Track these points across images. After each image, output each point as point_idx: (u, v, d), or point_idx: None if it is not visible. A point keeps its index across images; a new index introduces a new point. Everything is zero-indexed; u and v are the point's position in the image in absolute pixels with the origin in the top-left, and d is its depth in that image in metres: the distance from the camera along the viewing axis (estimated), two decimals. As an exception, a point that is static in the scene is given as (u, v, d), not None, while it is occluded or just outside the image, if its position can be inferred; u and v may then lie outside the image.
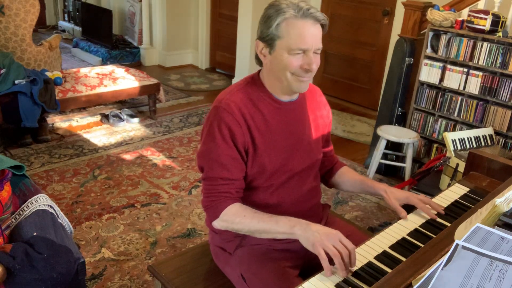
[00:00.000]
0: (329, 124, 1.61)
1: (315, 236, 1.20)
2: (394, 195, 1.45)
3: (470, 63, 2.98)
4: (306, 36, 1.28)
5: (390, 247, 1.25)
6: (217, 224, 1.36)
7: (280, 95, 1.41)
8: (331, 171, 1.66)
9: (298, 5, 1.29)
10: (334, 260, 1.13)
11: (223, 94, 1.40)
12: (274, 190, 1.43)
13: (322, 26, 1.32)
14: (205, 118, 1.42)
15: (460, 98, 3.07)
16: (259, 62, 1.41)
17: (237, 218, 1.32)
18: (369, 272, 1.14)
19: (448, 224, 1.34)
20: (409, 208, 1.47)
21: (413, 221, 1.38)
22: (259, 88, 1.40)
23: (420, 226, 1.36)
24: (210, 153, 1.35)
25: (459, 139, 2.76)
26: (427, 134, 3.30)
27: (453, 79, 3.07)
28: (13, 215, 1.61)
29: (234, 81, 5.20)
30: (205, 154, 1.36)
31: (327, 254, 1.15)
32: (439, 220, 1.39)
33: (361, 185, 1.57)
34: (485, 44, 2.88)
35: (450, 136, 2.75)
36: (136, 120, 4.17)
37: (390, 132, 3.17)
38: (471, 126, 3.04)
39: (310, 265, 1.47)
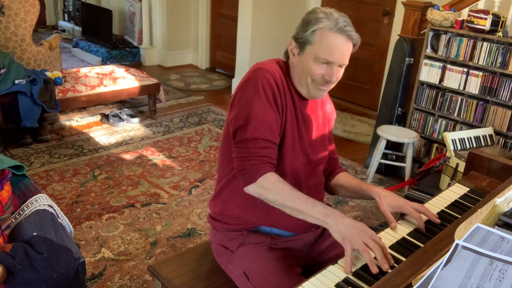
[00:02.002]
0: (333, 121, 1.62)
1: (347, 230, 1.21)
2: (387, 201, 1.39)
3: (470, 63, 2.98)
4: (335, 50, 1.32)
5: (390, 247, 1.25)
6: (252, 189, 1.32)
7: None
8: (330, 175, 1.65)
9: (337, 19, 1.32)
10: (363, 256, 1.15)
11: (262, 62, 1.43)
12: (287, 174, 1.42)
13: (354, 44, 1.36)
14: (242, 80, 1.40)
15: (460, 98, 3.07)
16: (286, 57, 1.44)
17: (274, 188, 1.30)
18: (369, 272, 1.14)
19: (448, 224, 1.34)
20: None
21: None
22: (288, 74, 1.44)
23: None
24: (255, 111, 1.31)
25: (459, 139, 2.76)
26: (427, 134, 3.30)
27: (453, 79, 3.07)
28: (13, 215, 1.61)
29: (234, 81, 5.20)
30: (249, 113, 1.32)
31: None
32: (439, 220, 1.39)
33: (356, 188, 1.54)
34: (485, 44, 2.88)
35: (450, 136, 2.75)
36: (136, 120, 4.17)
37: (390, 132, 3.17)
38: (471, 126, 3.04)
39: (310, 263, 1.48)
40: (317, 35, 1.32)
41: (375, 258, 1.15)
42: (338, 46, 1.32)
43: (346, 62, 1.36)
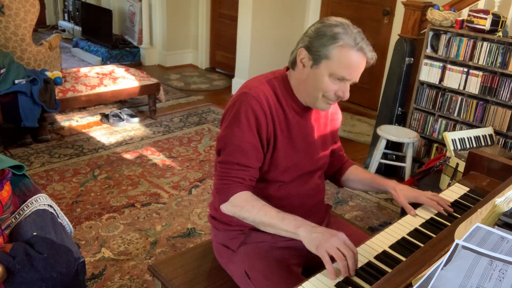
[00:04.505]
0: (337, 120, 1.62)
1: (319, 239, 1.19)
2: (403, 193, 1.47)
3: (470, 63, 2.98)
4: (354, 68, 1.31)
5: (390, 247, 1.25)
6: (225, 208, 1.36)
7: (303, 102, 1.43)
8: (340, 170, 1.67)
9: (356, 37, 1.30)
10: (338, 263, 1.13)
11: (251, 82, 1.42)
12: (282, 185, 1.45)
13: (367, 62, 1.35)
14: (230, 101, 1.42)
15: (460, 98, 3.07)
16: (292, 65, 1.41)
17: (246, 206, 1.32)
18: (369, 272, 1.14)
19: (448, 224, 1.34)
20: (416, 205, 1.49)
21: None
22: (285, 86, 1.42)
23: (420, 226, 1.36)
24: (233, 138, 1.35)
25: (459, 139, 2.76)
26: (427, 134, 3.30)
27: (453, 79, 3.07)
28: (13, 215, 1.61)
29: (234, 81, 5.20)
30: (228, 137, 1.36)
31: (331, 257, 1.15)
32: (439, 219, 1.39)
33: (370, 183, 1.59)
34: (485, 43, 2.88)
35: (450, 136, 2.75)
36: (136, 119, 4.17)
37: (390, 132, 3.17)
38: (471, 126, 3.04)
39: (312, 263, 1.48)
40: (336, 51, 1.29)
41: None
42: (356, 65, 1.31)
43: (358, 79, 1.35)
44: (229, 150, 1.35)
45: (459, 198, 1.52)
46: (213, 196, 1.59)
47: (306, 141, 1.46)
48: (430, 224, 1.37)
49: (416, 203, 1.46)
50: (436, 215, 1.42)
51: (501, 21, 2.82)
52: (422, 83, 3.26)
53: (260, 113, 1.34)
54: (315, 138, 1.49)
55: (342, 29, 1.30)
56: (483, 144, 2.83)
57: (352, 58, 1.30)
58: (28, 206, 1.64)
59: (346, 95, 1.35)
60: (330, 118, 1.58)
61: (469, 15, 2.92)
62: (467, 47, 2.97)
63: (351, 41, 1.29)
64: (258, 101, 1.34)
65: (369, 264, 1.18)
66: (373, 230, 2.65)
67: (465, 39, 2.97)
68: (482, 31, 2.86)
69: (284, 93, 1.41)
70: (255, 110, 1.34)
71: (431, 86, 3.23)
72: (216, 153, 1.42)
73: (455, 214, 1.42)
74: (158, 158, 3.53)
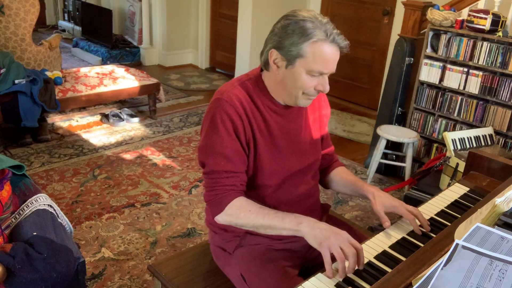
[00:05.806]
0: (326, 116, 1.59)
1: (322, 235, 1.19)
2: (381, 201, 1.40)
3: (470, 63, 2.98)
4: (331, 61, 1.28)
5: (390, 247, 1.25)
6: (221, 218, 1.34)
7: (281, 101, 1.40)
8: (326, 170, 1.64)
9: (326, 29, 1.26)
10: (338, 263, 1.13)
11: (224, 86, 1.40)
12: (272, 191, 1.43)
13: (341, 51, 1.32)
14: (205, 110, 1.41)
15: (460, 97, 3.07)
16: (265, 66, 1.37)
17: (242, 212, 1.30)
18: (369, 272, 1.14)
19: (448, 224, 1.34)
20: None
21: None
22: (260, 88, 1.39)
23: (420, 226, 1.36)
24: (214, 146, 1.32)
25: (459, 139, 2.76)
26: (427, 133, 3.30)
27: (453, 78, 3.07)
28: (13, 215, 1.61)
29: (234, 80, 5.19)
30: (208, 147, 1.34)
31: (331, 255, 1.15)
32: (439, 219, 1.39)
33: (352, 186, 1.53)
34: (485, 43, 2.88)
35: (450, 136, 2.75)
36: (136, 119, 4.17)
37: (390, 132, 3.17)
38: (471, 126, 3.04)
39: (309, 264, 1.47)
40: (309, 48, 1.25)
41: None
42: (331, 57, 1.28)
43: (335, 70, 1.33)
44: (212, 160, 1.32)
45: (459, 198, 1.52)
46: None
47: (290, 140, 1.43)
48: (430, 224, 1.37)
49: (394, 213, 1.38)
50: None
51: (501, 21, 2.82)
52: (422, 83, 3.26)
53: (235, 117, 1.32)
54: (301, 135, 1.46)
55: (311, 23, 1.26)
56: (483, 144, 2.83)
57: (327, 51, 1.26)
58: (28, 206, 1.64)
59: (327, 88, 1.32)
60: (319, 114, 1.54)
61: (469, 15, 2.91)
62: (467, 47, 2.97)
63: (323, 34, 1.25)
64: (231, 104, 1.32)
65: (369, 264, 1.18)
66: (373, 230, 2.65)
67: (465, 39, 2.97)
68: (482, 31, 2.86)
69: (259, 94, 1.38)
70: (230, 115, 1.31)
71: (431, 86, 3.23)
72: (200, 165, 1.39)
73: (454, 214, 1.42)
74: (158, 158, 3.53)
